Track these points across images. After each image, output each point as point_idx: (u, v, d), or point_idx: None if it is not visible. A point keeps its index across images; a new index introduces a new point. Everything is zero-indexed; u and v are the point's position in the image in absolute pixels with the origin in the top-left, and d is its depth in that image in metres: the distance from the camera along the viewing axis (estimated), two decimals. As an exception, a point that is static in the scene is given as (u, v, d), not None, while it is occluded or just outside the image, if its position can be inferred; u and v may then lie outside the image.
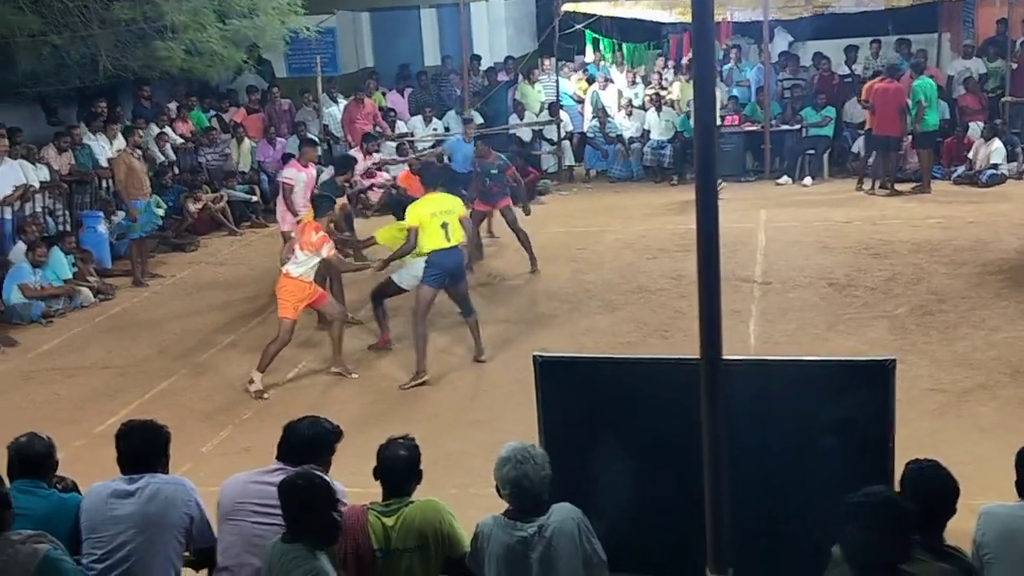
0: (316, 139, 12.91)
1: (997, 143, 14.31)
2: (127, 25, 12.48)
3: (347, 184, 10.79)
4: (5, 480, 3.75)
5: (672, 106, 16.20)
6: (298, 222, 11.04)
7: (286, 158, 14.47)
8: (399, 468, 4.07)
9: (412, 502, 4.07)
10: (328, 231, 8.90)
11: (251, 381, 8.60)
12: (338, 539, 3.82)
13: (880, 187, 14.19)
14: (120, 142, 13.27)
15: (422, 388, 8.54)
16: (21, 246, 11.36)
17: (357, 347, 9.32)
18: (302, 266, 8.56)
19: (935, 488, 3.65)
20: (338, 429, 4.34)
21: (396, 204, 10.10)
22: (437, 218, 8.46)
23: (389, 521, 3.99)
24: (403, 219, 8.93)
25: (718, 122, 14.55)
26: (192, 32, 12.87)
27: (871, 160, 14.51)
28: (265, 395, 8.55)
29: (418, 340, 8.59)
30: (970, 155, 14.60)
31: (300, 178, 11.03)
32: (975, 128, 15.00)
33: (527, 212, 11.90)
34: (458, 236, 8.58)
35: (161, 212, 13.31)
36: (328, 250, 8.57)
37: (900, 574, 3.41)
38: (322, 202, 9.01)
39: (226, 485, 4.24)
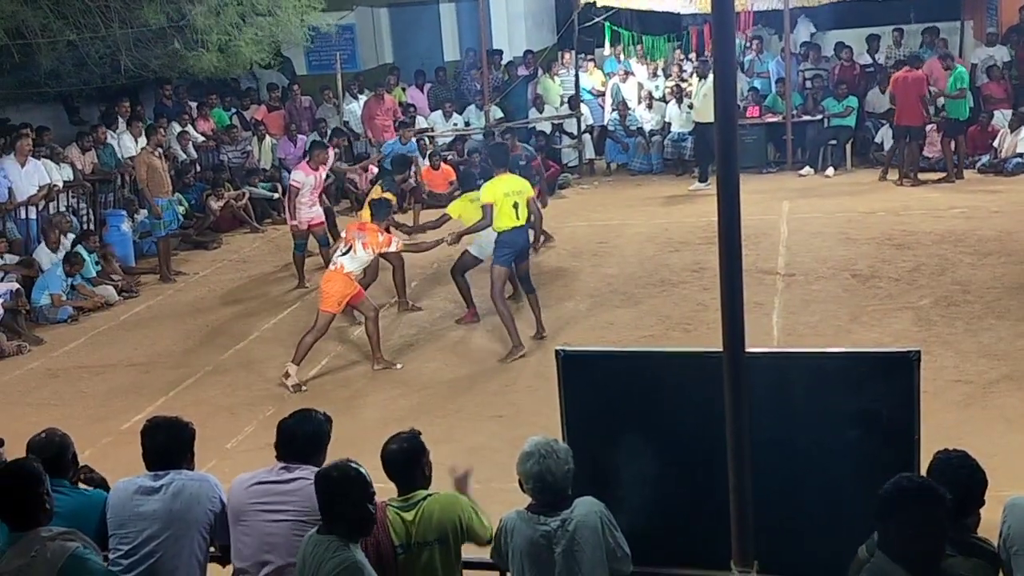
0: (325, 143, 12.99)
1: (1024, 131, 14.18)
2: (151, 28, 12.56)
3: (403, 183, 10.97)
4: (46, 478, 3.76)
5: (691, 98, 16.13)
6: (293, 226, 11.31)
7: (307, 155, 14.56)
8: (400, 462, 4.06)
9: (431, 495, 4.07)
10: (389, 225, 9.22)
11: (287, 375, 8.65)
12: (371, 531, 3.82)
13: (904, 177, 14.07)
14: (145, 140, 13.36)
15: (443, 384, 8.57)
16: (44, 248, 11.44)
17: (394, 342, 9.34)
18: (356, 262, 8.74)
19: (964, 479, 3.61)
20: (328, 417, 4.36)
21: (467, 177, 10.63)
22: (510, 198, 8.77)
23: (409, 516, 3.99)
24: (471, 190, 9.65)
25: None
26: (216, 34, 12.94)
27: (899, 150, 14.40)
28: (303, 387, 8.59)
29: (504, 318, 8.83)
30: (995, 143, 14.48)
31: (308, 182, 11.22)
32: (1000, 117, 14.87)
33: (543, 204, 11.94)
34: (525, 216, 8.94)
35: (182, 210, 13.43)
36: (397, 243, 8.95)
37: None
38: (380, 206, 9.18)
39: (232, 488, 4.24)
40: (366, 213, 9.85)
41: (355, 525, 3.67)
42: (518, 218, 8.83)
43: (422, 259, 10.95)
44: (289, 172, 15.24)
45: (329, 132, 15.32)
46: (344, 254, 8.76)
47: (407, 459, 4.07)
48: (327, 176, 12.21)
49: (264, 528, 4.09)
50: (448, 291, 10.46)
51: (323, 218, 11.60)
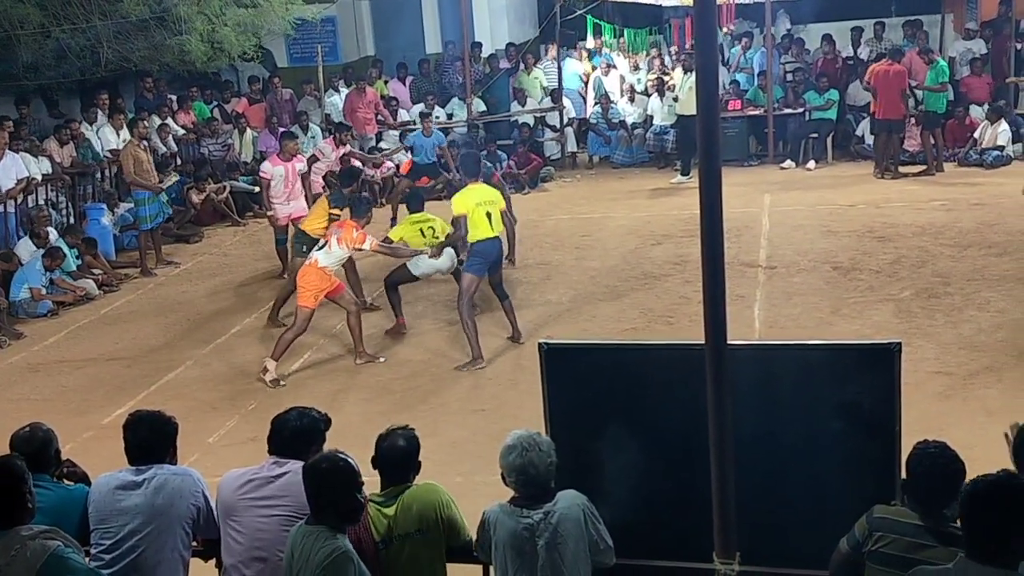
0: (295, 133, 13.03)
1: (1004, 125, 14.26)
2: (131, 20, 12.48)
3: (353, 193, 10.91)
4: (28, 477, 3.73)
5: (674, 91, 16.15)
6: (269, 216, 11.29)
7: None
8: (397, 458, 4.06)
9: (408, 487, 4.06)
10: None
11: (265, 370, 8.62)
12: (360, 518, 3.82)
13: (885, 170, 14.13)
14: (127, 133, 13.29)
15: (426, 377, 8.56)
16: (27, 242, 11.36)
17: (375, 333, 9.31)
18: (331, 258, 8.68)
19: (942, 470, 3.64)
20: (326, 417, 4.31)
21: (412, 198, 10.29)
22: (482, 207, 8.62)
23: (389, 511, 3.98)
24: (417, 211, 9.61)
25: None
26: (200, 24, 12.87)
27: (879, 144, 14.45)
28: (282, 383, 8.56)
29: (467, 328, 8.66)
30: (976, 135, 14.56)
31: (277, 172, 11.22)
32: (978, 110, 14.96)
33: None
34: (499, 226, 8.82)
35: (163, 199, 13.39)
36: (371, 243, 8.78)
37: (913, 562, 3.39)
38: (360, 203, 9.13)
39: (223, 484, 4.21)
40: (310, 221, 9.84)
41: (344, 515, 3.67)
42: (492, 228, 8.65)
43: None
44: (271, 165, 15.28)
45: (318, 132, 15.33)
46: (320, 249, 8.74)
47: (405, 456, 4.07)
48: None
49: (256, 524, 4.07)
50: (429, 288, 10.44)
51: (305, 212, 11.53)
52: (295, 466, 4.08)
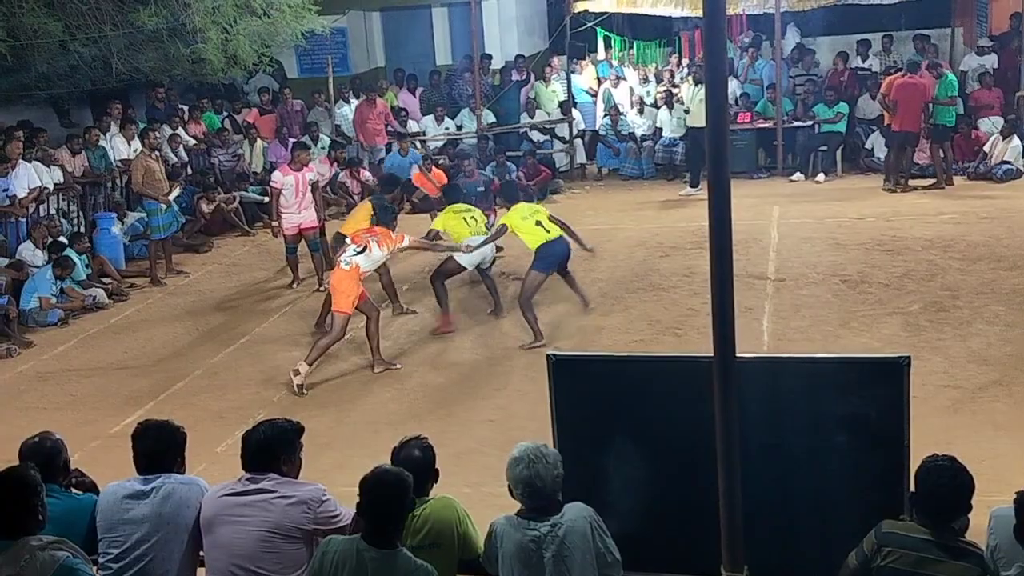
0: (307, 143, 13.10)
1: (1016, 140, 14.22)
2: (144, 31, 12.53)
3: (394, 200, 11.01)
4: (42, 488, 3.74)
5: (683, 103, 16.17)
6: (273, 226, 11.35)
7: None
8: (414, 470, 4.06)
9: (428, 501, 4.06)
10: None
11: (296, 371, 8.57)
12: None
13: (895, 183, 14.10)
14: (138, 143, 13.34)
15: (434, 385, 8.58)
16: (30, 245, 11.40)
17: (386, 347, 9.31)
18: (371, 261, 8.88)
19: (951, 484, 3.63)
20: (297, 426, 4.27)
21: (452, 190, 11.06)
22: (529, 220, 9.35)
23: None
24: (456, 202, 10.31)
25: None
26: (214, 34, 12.93)
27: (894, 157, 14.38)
28: (305, 391, 8.56)
29: (528, 317, 9.19)
30: (987, 148, 14.52)
31: (287, 182, 11.24)
32: (987, 124, 14.92)
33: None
34: (555, 229, 9.36)
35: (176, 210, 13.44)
36: (410, 240, 9.24)
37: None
38: (385, 212, 9.46)
39: (204, 500, 4.19)
40: (351, 225, 9.88)
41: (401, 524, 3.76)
42: (547, 231, 9.27)
43: (409, 267, 10.98)
44: (281, 176, 15.33)
45: (327, 143, 15.40)
46: (359, 253, 8.74)
47: (422, 466, 4.08)
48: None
49: (232, 540, 4.05)
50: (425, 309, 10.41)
51: (315, 222, 11.56)
52: (268, 483, 4.07)
